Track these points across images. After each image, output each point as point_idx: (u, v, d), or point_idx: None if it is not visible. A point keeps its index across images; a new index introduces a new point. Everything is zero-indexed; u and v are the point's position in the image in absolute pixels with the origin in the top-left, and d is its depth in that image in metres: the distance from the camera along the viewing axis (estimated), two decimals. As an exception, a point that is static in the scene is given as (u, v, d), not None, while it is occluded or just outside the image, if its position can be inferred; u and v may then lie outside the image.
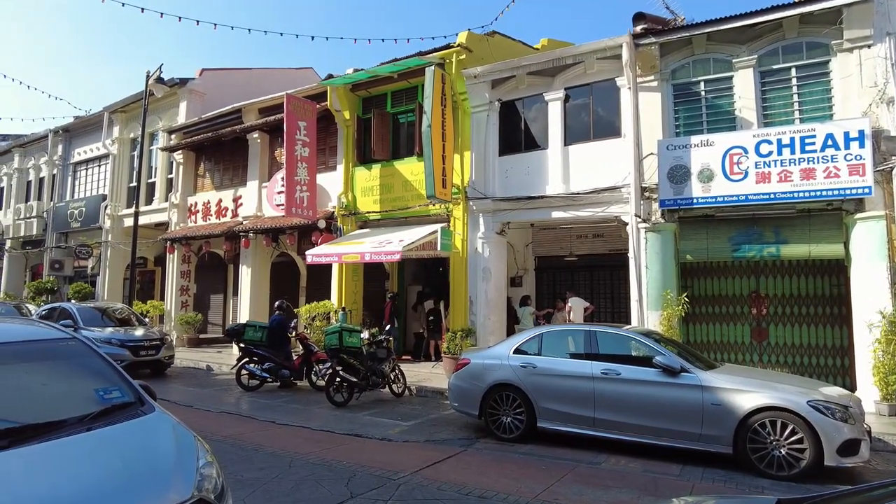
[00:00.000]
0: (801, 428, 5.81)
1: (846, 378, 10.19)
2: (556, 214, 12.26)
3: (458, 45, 13.56)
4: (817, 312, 10.90)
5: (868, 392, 8.90)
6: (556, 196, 12.11)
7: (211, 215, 18.68)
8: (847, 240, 9.66)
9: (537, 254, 15.12)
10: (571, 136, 12.38)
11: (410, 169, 14.21)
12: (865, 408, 7.13)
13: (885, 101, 9.27)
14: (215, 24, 13.81)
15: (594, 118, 12.23)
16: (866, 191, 9.18)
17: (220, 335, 19.39)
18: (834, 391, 6.51)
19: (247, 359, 11.24)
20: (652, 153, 10.96)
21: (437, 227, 13.08)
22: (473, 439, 7.56)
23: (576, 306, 12.10)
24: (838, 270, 10.28)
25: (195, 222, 19.03)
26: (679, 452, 6.53)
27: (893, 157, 9.09)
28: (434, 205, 13.41)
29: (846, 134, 9.36)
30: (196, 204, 19.22)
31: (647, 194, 11.04)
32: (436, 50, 13.92)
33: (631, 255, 11.21)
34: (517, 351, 7.73)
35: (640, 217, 10.89)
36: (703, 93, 11.12)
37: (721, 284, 11.77)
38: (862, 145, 9.23)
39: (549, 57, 12.56)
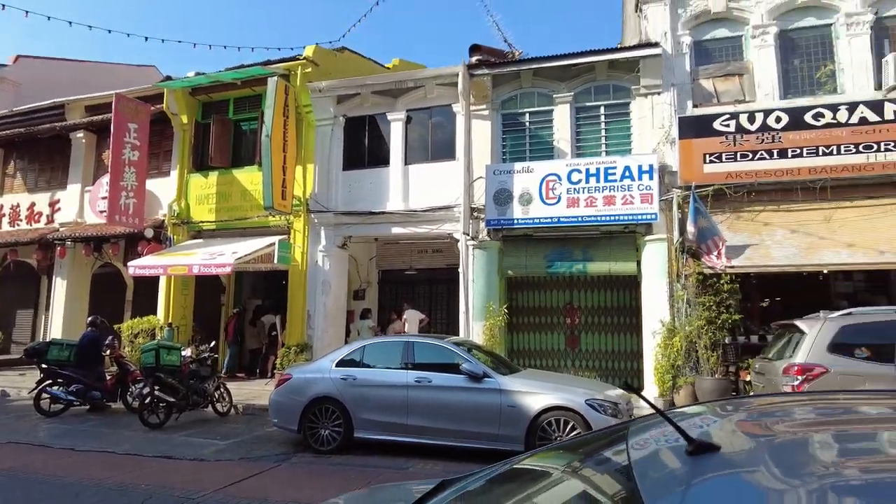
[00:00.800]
0: (578, 424, 6.59)
1: (638, 378, 11.63)
2: (396, 230, 12.65)
3: (305, 59, 13.56)
4: (618, 322, 12.36)
5: (651, 390, 10.27)
6: (396, 212, 12.52)
7: (20, 220, 16.64)
8: (639, 259, 11.10)
9: (381, 267, 15.42)
10: (412, 155, 12.90)
11: (250, 178, 13.84)
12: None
13: (669, 141, 10.86)
14: (26, 12, 12.39)
15: (433, 140, 12.86)
16: (653, 216, 10.67)
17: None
18: (614, 392, 7.45)
19: (49, 381, 10.15)
20: (481, 177, 11.78)
21: (276, 238, 12.87)
22: (290, 454, 7.55)
23: (411, 318, 12.54)
24: (634, 285, 11.75)
25: None
26: (484, 453, 7.05)
27: (674, 189, 10.66)
28: (273, 216, 13.18)
29: (640, 167, 10.81)
30: (2, 207, 17.01)
31: (476, 214, 11.82)
32: (282, 61, 13.78)
33: (461, 269, 11.91)
34: (340, 363, 7.87)
35: (468, 235, 11.62)
36: (527, 123, 12.20)
37: (541, 297, 12.89)
38: (651, 177, 10.72)
39: (392, 79, 13.01)
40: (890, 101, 9.77)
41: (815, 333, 6.09)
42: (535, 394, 6.85)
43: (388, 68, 16.91)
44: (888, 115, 9.70)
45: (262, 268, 13.29)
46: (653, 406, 1.46)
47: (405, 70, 15.38)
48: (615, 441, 1.52)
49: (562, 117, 11.84)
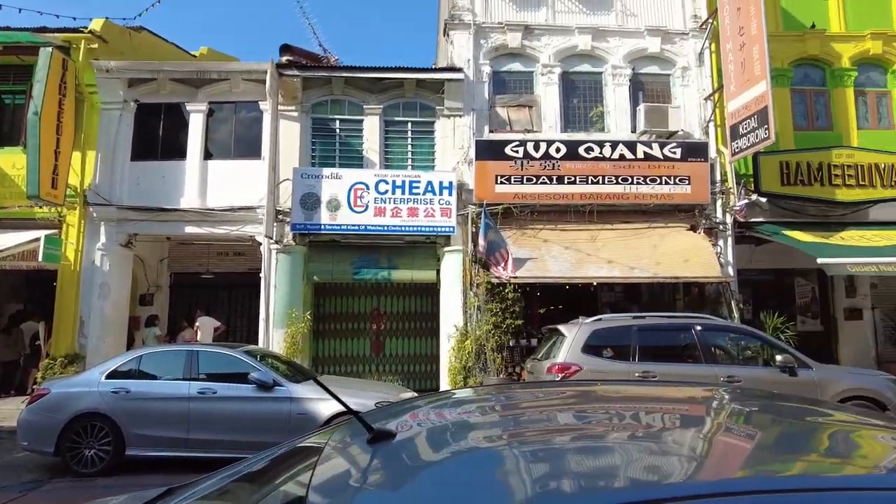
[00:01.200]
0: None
1: (436, 379, 12.30)
2: (191, 229, 11.79)
3: (90, 32, 12.02)
4: (420, 327, 12.97)
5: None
6: (192, 210, 11.66)
7: None
8: (439, 268, 11.80)
9: (173, 269, 14.21)
10: (213, 150, 12.16)
11: (12, 160, 11.82)
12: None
13: (468, 161, 11.75)
14: None
15: (236, 137, 12.27)
16: (451, 229, 11.43)
17: None
18: (408, 394, 7.80)
19: None
20: (288, 179, 11.52)
21: (43, 233, 11.16)
22: (44, 481, 6.61)
23: (204, 326, 11.75)
24: (434, 292, 12.44)
25: None
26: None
27: (470, 205, 11.54)
28: (40, 206, 11.42)
29: (441, 183, 11.51)
30: None
31: (281, 217, 11.53)
32: (63, 31, 12.05)
33: (262, 274, 11.51)
34: (112, 375, 7.11)
35: (272, 238, 11.29)
36: (338, 130, 12.27)
37: (348, 303, 13.02)
38: (451, 193, 11.48)
39: (194, 67, 12.15)
40: (641, 142, 11.73)
41: (572, 336, 7.09)
42: (326, 400, 6.90)
43: (195, 56, 15.73)
44: (639, 155, 11.64)
45: (23, 266, 11.42)
46: (340, 401, 1.62)
47: (214, 60, 14.46)
48: (323, 435, 1.68)
49: (371, 128, 12.13)
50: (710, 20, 12.18)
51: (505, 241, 10.80)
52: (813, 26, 12.80)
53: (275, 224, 11.37)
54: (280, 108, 11.83)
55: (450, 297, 11.57)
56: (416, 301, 13.06)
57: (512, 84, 12.53)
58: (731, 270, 11.76)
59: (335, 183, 11.50)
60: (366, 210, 11.46)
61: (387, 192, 11.49)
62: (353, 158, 12.14)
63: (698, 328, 7.06)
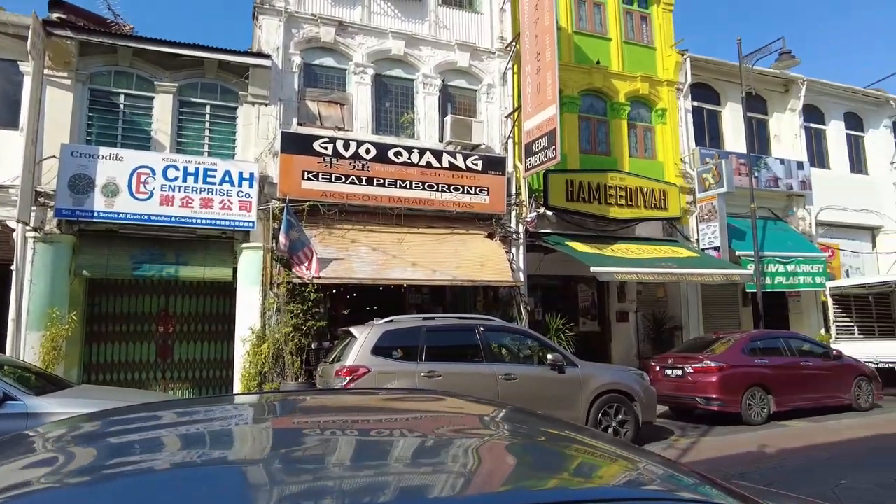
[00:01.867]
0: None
1: (230, 387, 11.45)
2: (-89, 208, 9.49)
3: None
4: (214, 330, 11.99)
5: (234, 399, 10.21)
6: (-86, 185, 9.40)
7: None
8: (236, 266, 11.01)
9: None
10: (-50, 114, 9.95)
11: None
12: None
13: (273, 153, 11.16)
14: None
15: (-15, 100, 10.21)
16: (251, 224, 10.75)
17: None
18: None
19: None
20: (54, 156, 9.87)
21: None
22: None
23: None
24: (231, 292, 11.59)
25: None
26: None
27: (273, 200, 10.97)
28: None
29: (241, 174, 10.77)
30: None
31: (42, 200, 9.83)
32: None
33: (14, 266, 9.69)
34: None
35: (28, 224, 9.57)
36: (122, 106, 10.85)
37: (131, 303, 11.58)
38: (252, 186, 10.80)
39: (-75, 8, 9.83)
40: (447, 152, 12.20)
41: (363, 338, 7.04)
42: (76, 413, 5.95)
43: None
44: (445, 164, 12.10)
45: None
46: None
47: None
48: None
49: (163, 107, 10.93)
50: (514, 43, 13.15)
51: (308, 239, 10.44)
52: (598, 63, 14.51)
53: (33, 208, 9.66)
54: (47, 73, 10.11)
55: (247, 297, 10.86)
56: (210, 301, 12.05)
57: (324, 79, 12.22)
58: (521, 276, 12.75)
59: (114, 165, 10.14)
60: (150, 198, 10.27)
61: (177, 178, 10.42)
62: (139, 139, 10.83)
63: (481, 329, 7.48)
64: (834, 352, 10.97)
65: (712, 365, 9.55)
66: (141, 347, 11.66)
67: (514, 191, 12.97)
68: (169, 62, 10.96)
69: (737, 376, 9.58)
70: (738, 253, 14.51)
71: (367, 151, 11.56)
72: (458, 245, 12.17)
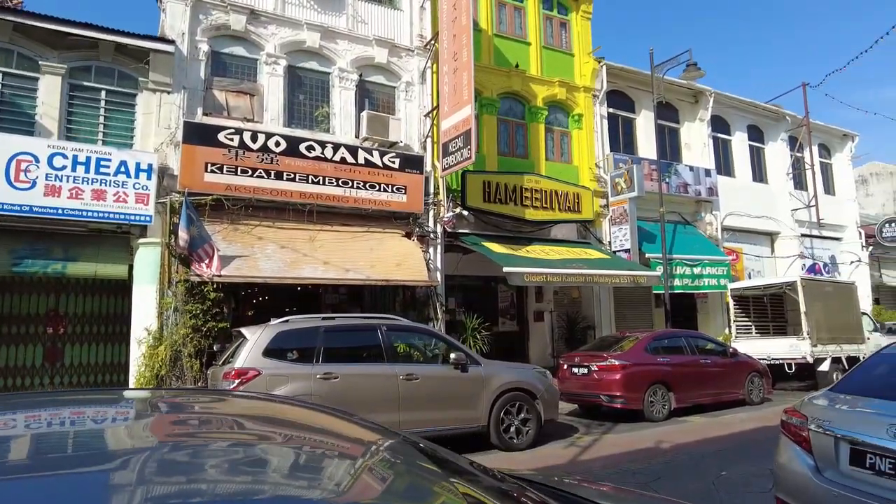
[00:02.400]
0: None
1: (122, 393, 10.71)
2: None
3: None
4: (108, 331, 11.22)
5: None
6: None
7: None
8: (132, 263, 10.31)
9: None
10: None
11: None
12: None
13: (174, 144, 10.53)
14: None
15: None
16: (148, 219, 10.09)
17: None
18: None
19: None
20: (-84, 138, 8.88)
21: None
22: None
23: None
24: (127, 291, 10.85)
25: None
26: None
27: (173, 193, 10.35)
28: None
29: (138, 164, 10.09)
30: None
31: None
32: None
33: None
34: None
35: None
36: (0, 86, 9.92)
37: (14, 302, 10.67)
38: (150, 177, 10.13)
39: None
40: (363, 148, 11.95)
41: (254, 339, 6.70)
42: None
43: None
44: (361, 160, 11.84)
45: None
46: None
47: None
48: None
49: (50, 90, 10.08)
50: (433, 42, 13.08)
51: (209, 235, 9.90)
52: (517, 66, 14.69)
53: None
54: None
55: (143, 296, 10.18)
56: (105, 301, 11.28)
57: (234, 68, 11.69)
58: (438, 276, 12.68)
59: (-11, 151, 9.24)
60: (32, 187, 9.43)
61: (65, 168, 9.63)
62: (21, 123, 9.94)
63: (384, 329, 7.30)
64: (730, 350, 11.54)
65: (616, 363, 9.80)
66: (26, 351, 10.79)
67: (432, 190, 12.88)
68: (58, 41, 10.13)
69: (639, 374, 9.86)
70: (647, 255, 15.07)
71: (277, 144, 11.14)
72: (374, 244, 11.94)
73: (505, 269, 11.55)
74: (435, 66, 13.22)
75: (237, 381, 6.41)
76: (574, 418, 10.50)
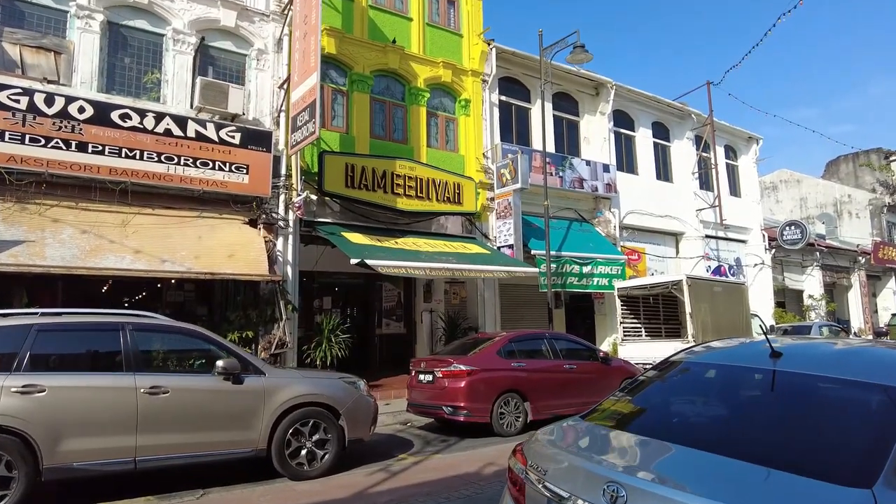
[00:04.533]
0: None
1: None
2: None
3: None
4: None
5: None
6: None
7: None
8: None
9: None
10: None
11: None
12: None
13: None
14: None
15: None
16: None
17: None
18: None
19: None
20: None
21: None
22: None
23: None
24: None
25: None
26: None
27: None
28: None
29: None
30: None
31: None
32: None
33: None
34: None
35: None
36: None
37: None
38: None
39: None
40: (194, 119, 10.32)
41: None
42: None
43: None
44: (190, 133, 10.21)
45: None
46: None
47: None
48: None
49: None
50: (291, 6, 11.58)
51: None
52: (394, 42, 13.36)
53: None
54: None
55: None
56: None
57: (34, 19, 9.85)
58: (289, 270, 11.19)
59: None
60: None
61: None
62: None
63: (129, 329, 5.77)
64: (601, 353, 10.55)
65: (462, 368, 8.57)
66: None
67: (283, 172, 11.37)
68: None
69: (487, 381, 8.68)
70: (533, 252, 14.05)
71: (81, 110, 9.37)
72: (205, 231, 10.33)
73: (353, 261, 10.17)
74: (292, 33, 11.72)
75: None
76: (426, 432, 9.24)
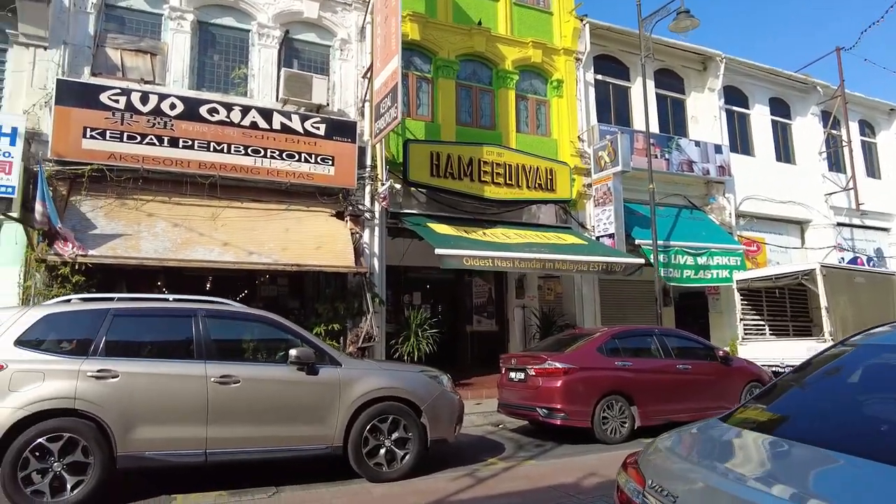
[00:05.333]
0: None
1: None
2: None
3: None
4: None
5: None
6: None
7: None
8: (-3, 242, 8.91)
9: None
10: None
11: None
12: None
13: (49, 106, 9.09)
14: None
15: None
16: (10, 190, 8.63)
17: None
18: None
19: None
20: None
21: None
22: None
23: None
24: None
25: None
26: None
27: (46, 162, 8.87)
28: None
29: (0, 128, 8.69)
30: None
31: None
32: None
33: None
34: None
35: None
36: None
37: None
38: (13, 143, 8.68)
39: None
40: (279, 112, 10.25)
41: (9, 324, 5.04)
42: None
43: None
44: (276, 125, 10.15)
45: None
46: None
47: None
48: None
49: None
50: (373, -7, 11.29)
51: (54, 211, 8.31)
52: (480, 23, 12.73)
53: None
54: None
55: (5, 279, 8.76)
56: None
57: (134, 24, 10.22)
58: (375, 262, 10.86)
59: None
60: None
61: (-87, 132, 8.31)
62: None
63: (202, 315, 5.53)
64: (720, 353, 9.23)
65: (557, 366, 7.72)
66: None
67: (369, 162, 11.07)
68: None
69: (588, 381, 7.76)
70: (637, 241, 12.81)
71: (173, 107, 9.56)
72: (292, 223, 10.22)
73: (437, 251, 9.59)
74: (374, 20, 11.41)
75: (-31, 379, 4.75)
76: (519, 436, 8.48)
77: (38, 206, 8.28)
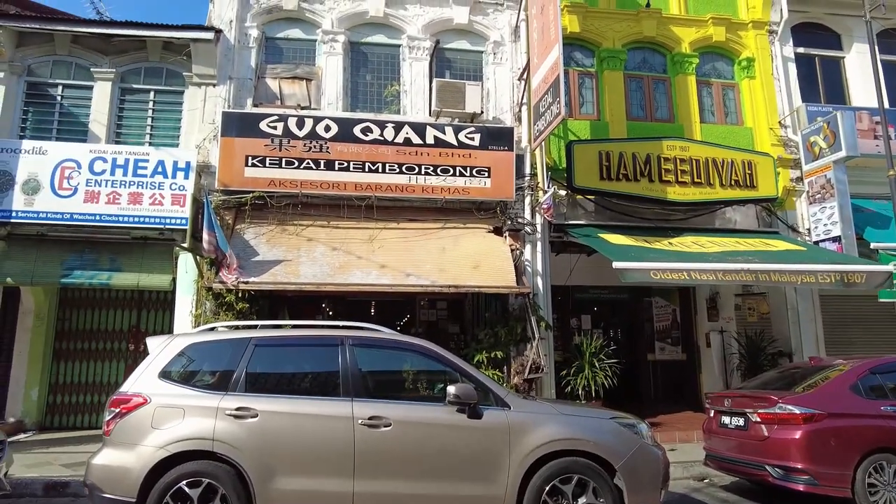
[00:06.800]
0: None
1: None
2: None
3: None
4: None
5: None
6: None
7: None
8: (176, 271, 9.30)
9: None
10: None
11: None
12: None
13: (217, 139, 9.38)
14: None
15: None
16: (184, 222, 8.95)
17: None
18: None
19: None
20: (-27, 153, 8.92)
21: None
22: None
23: None
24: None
25: None
26: None
27: (213, 192, 9.11)
28: None
29: (175, 163, 9.13)
30: None
31: (-42, 201, 8.86)
32: None
33: (-74, 275, 8.75)
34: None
35: (-69, 226, 8.61)
36: (59, 97, 9.77)
37: (102, 317, 10.51)
38: (186, 176, 9.09)
39: None
40: (431, 125, 9.61)
41: (155, 354, 4.68)
42: None
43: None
44: (429, 140, 9.50)
45: None
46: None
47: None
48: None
49: (101, 97, 9.67)
50: (525, -13, 10.31)
51: (223, 238, 8.33)
52: (648, 5, 11.09)
53: (-54, 209, 8.70)
54: (-20, 66, 9.30)
55: (182, 307, 9.08)
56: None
57: (290, 53, 10.34)
58: (539, 281, 9.63)
59: (37, 159, 8.97)
60: (74, 194, 8.94)
61: (104, 172, 9.01)
62: (76, 132, 9.66)
63: (350, 344, 4.75)
64: None
65: (795, 412, 5.77)
66: (110, 367, 10.48)
67: (528, 171, 9.97)
68: (109, 48, 9.74)
69: (844, 432, 5.70)
70: (873, 245, 10.01)
71: (327, 129, 9.35)
72: (449, 242, 9.43)
73: (616, 265, 8.03)
74: (528, 15, 10.39)
75: (115, 412, 4.42)
76: (736, 497, 6.61)
77: (205, 236, 8.38)
